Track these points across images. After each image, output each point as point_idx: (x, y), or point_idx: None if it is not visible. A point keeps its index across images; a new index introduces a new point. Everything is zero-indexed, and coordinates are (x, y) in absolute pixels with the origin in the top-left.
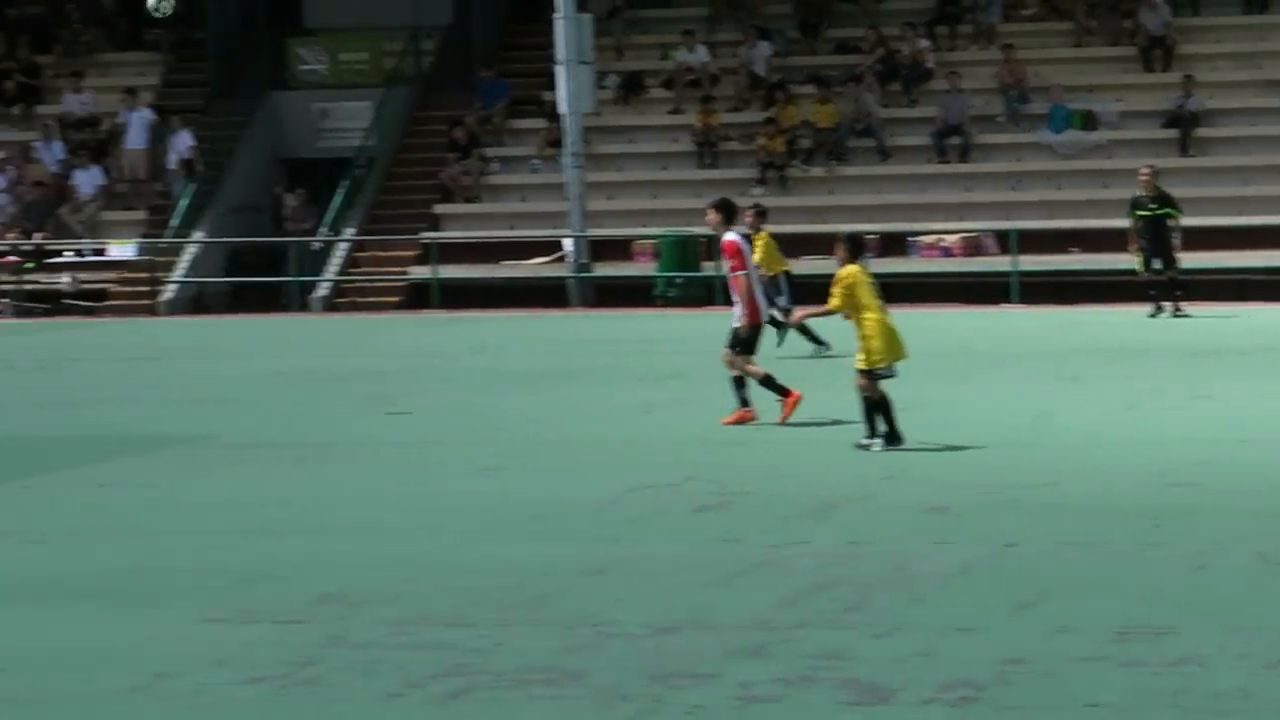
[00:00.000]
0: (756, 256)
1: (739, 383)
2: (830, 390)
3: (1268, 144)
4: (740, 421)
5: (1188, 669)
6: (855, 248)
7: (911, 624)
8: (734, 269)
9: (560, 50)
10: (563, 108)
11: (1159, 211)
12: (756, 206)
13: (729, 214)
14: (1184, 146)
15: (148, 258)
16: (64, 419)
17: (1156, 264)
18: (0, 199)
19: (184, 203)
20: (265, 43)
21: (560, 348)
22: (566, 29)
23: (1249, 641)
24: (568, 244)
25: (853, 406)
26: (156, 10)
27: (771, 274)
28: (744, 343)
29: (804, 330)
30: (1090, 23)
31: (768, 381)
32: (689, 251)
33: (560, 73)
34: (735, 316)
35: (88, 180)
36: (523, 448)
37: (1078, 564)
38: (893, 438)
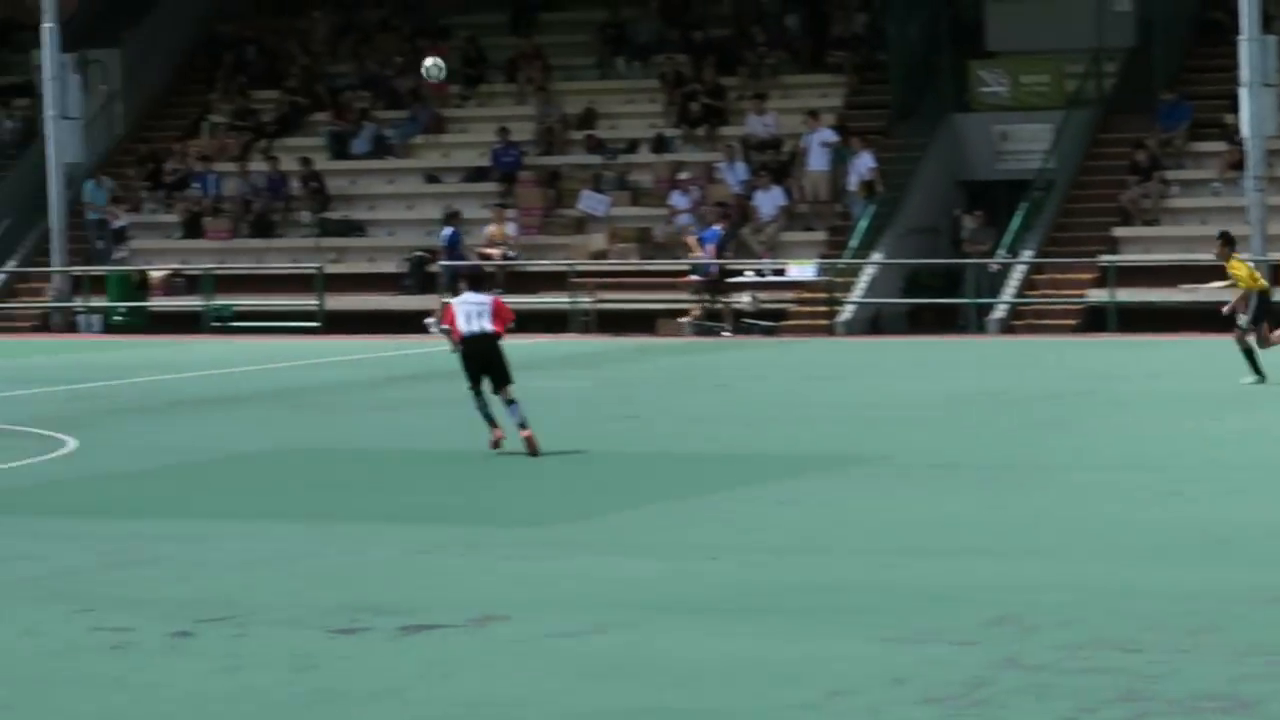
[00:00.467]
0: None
1: None
2: None
3: None
4: None
5: None
6: None
7: None
8: None
9: (1244, 72)
10: (1245, 130)
11: None
12: (1223, 235)
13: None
14: None
15: (826, 279)
16: (744, 436)
17: None
18: (684, 219)
19: (863, 224)
20: (947, 65)
21: (1237, 372)
22: (1250, 51)
23: None
24: None
25: None
26: (428, 75)
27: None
28: None
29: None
30: None
31: None
32: None
33: (1243, 95)
34: None
35: (769, 201)
36: (1201, 472)
37: None
38: None
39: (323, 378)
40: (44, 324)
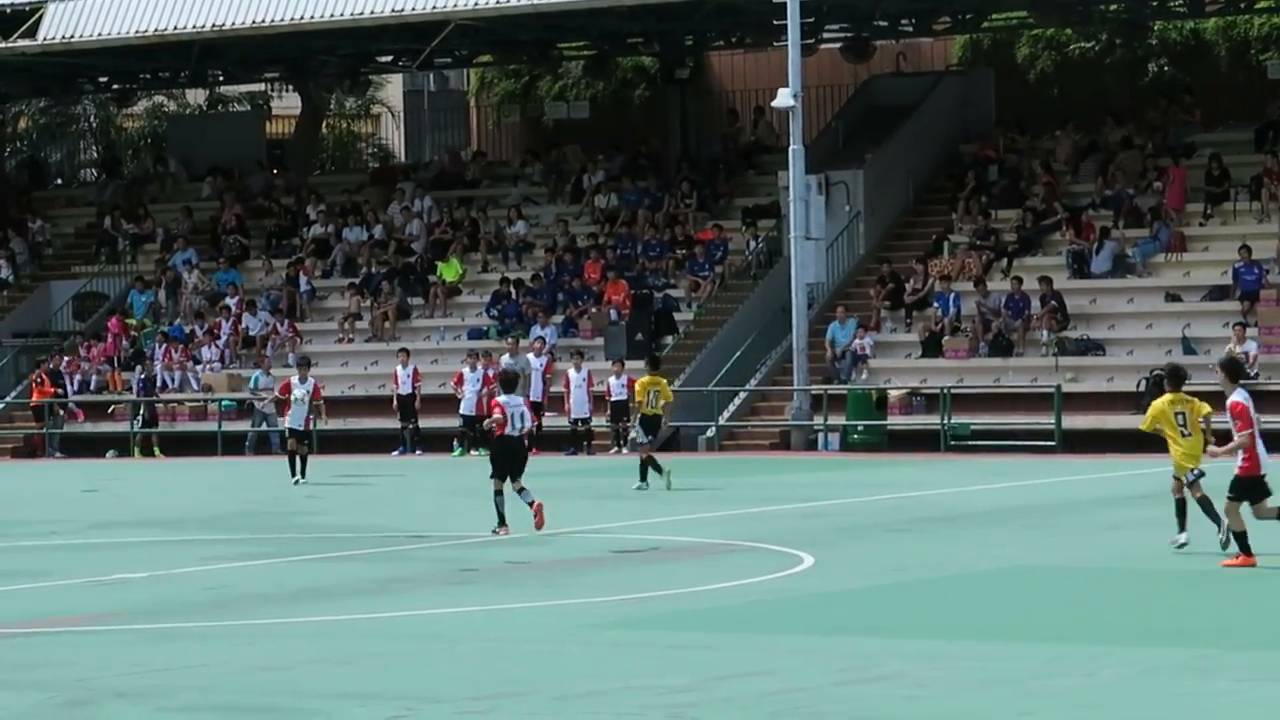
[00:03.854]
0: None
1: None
2: None
3: None
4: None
5: None
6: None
7: None
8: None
9: None
10: None
11: None
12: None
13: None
14: None
15: None
16: None
17: None
18: None
19: None
20: None
21: None
22: None
23: None
24: None
25: None
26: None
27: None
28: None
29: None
30: None
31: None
32: None
33: None
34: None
35: None
36: None
37: None
38: None
39: (1057, 497)
40: (784, 442)
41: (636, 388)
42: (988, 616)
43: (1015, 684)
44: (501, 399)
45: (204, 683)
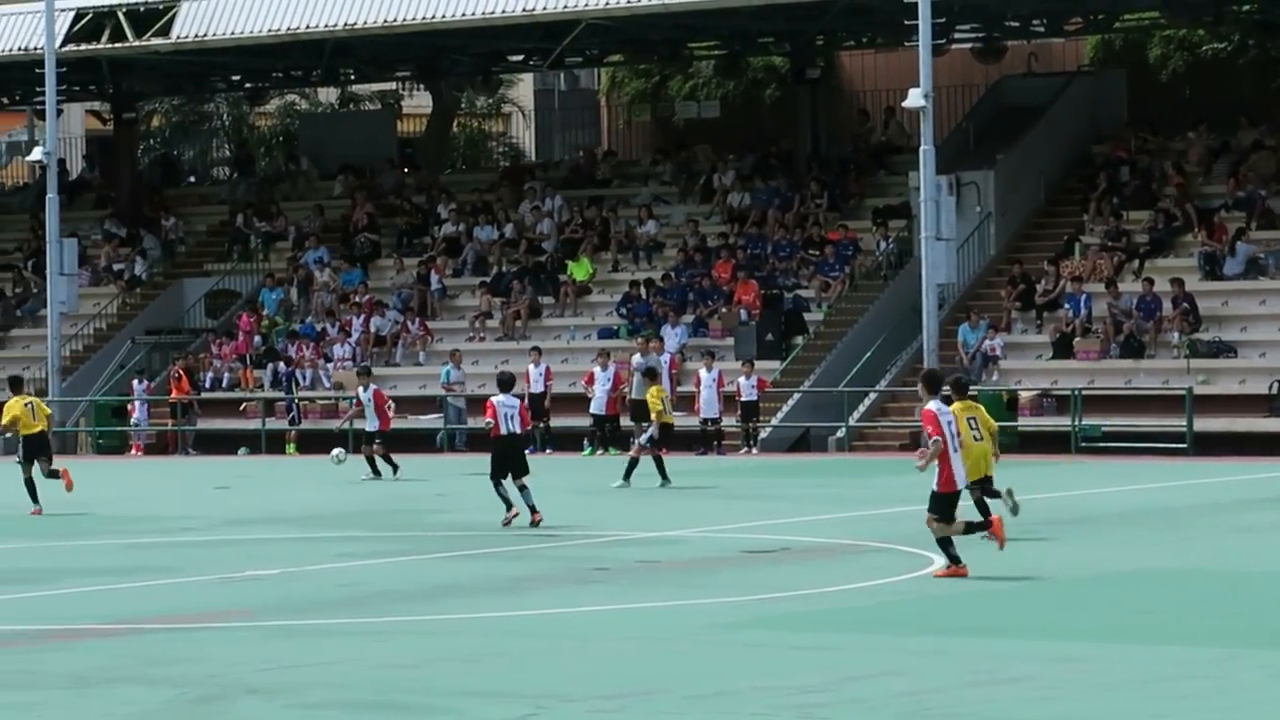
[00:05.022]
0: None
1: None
2: None
3: None
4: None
5: None
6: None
7: None
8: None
9: None
10: None
11: None
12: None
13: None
14: None
15: None
16: None
17: None
18: None
19: None
20: None
21: None
22: None
23: None
24: None
25: None
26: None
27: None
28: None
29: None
30: None
31: (943, 544)
32: None
33: None
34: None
35: None
36: None
37: None
38: None
39: (1188, 499)
40: (914, 443)
41: (650, 397)
42: (1119, 618)
43: (1146, 686)
44: (495, 399)
45: (335, 680)
